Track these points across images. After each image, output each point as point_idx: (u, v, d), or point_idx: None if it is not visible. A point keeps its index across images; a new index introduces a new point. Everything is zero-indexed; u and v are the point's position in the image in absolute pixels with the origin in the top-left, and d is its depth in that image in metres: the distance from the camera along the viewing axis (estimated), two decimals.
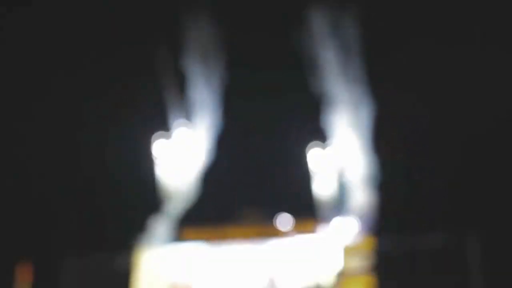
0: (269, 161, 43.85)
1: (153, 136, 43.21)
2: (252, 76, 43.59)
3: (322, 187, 42.29)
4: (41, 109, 46.29)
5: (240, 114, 43.59)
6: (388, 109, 41.73)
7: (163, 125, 43.70)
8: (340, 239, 39.94)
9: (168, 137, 43.43)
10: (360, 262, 39.33)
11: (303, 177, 43.02)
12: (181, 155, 43.42)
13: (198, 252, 41.47)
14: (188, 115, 43.77)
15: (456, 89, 42.95)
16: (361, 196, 40.72)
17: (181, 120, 43.21)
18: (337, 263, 39.37)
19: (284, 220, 40.61)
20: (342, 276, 39.21)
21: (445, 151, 41.20)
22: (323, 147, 42.23)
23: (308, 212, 41.37)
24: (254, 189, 42.52)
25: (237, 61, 43.46)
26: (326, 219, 40.74)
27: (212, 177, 42.75)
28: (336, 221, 40.48)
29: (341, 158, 41.98)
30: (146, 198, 42.64)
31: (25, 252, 42.85)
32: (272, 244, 40.71)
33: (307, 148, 42.64)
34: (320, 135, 42.26)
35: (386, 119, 41.65)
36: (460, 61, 42.04)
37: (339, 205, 41.50)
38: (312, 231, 40.83)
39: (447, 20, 43.85)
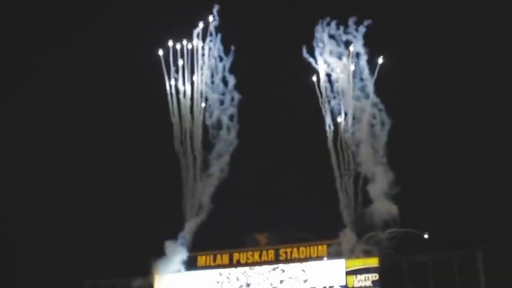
0: (281, 185, 44.30)
1: None
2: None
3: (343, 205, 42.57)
4: None
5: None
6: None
7: None
8: (349, 259, 40.07)
9: None
10: (370, 281, 39.44)
11: (316, 201, 43.30)
12: None
13: (212, 277, 42.06)
14: None
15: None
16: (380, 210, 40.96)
17: None
18: (346, 285, 39.57)
19: None
20: None
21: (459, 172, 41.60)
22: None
23: (318, 235, 41.63)
24: (265, 214, 43.03)
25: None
26: (336, 241, 41.04)
27: (224, 202, 43.38)
28: (345, 242, 41.00)
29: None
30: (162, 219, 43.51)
31: (45, 278, 44.27)
32: (284, 268, 41.30)
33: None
34: None
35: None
36: None
37: (353, 224, 41.63)
38: (322, 254, 41.22)
39: None
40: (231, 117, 45.08)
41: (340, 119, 43.43)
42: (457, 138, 42.27)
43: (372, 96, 43.13)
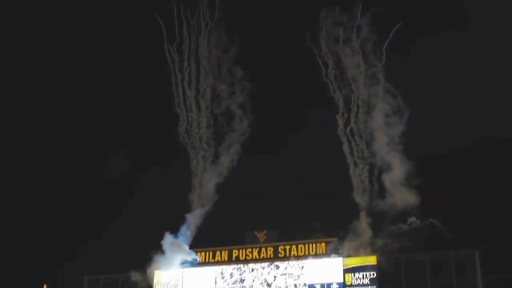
0: (281, 182, 42.86)
1: None
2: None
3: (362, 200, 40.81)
4: None
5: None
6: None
7: None
8: (347, 257, 38.69)
9: None
10: (368, 279, 37.94)
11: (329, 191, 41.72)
12: None
13: (208, 273, 41.01)
14: None
15: None
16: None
17: None
18: (344, 282, 38.16)
19: None
20: None
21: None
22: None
23: (317, 233, 40.13)
24: (266, 211, 41.68)
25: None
26: (334, 239, 39.60)
27: (225, 200, 42.24)
28: (345, 241, 39.44)
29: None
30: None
31: (47, 273, 44.31)
32: (280, 264, 40.02)
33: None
34: None
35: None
36: None
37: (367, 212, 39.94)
38: (321, 251, 39.79)
39: None
40: (241, 106, 43.95)
41: (352, 106, 41.57)
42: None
43: (383, 81, 41.35)
